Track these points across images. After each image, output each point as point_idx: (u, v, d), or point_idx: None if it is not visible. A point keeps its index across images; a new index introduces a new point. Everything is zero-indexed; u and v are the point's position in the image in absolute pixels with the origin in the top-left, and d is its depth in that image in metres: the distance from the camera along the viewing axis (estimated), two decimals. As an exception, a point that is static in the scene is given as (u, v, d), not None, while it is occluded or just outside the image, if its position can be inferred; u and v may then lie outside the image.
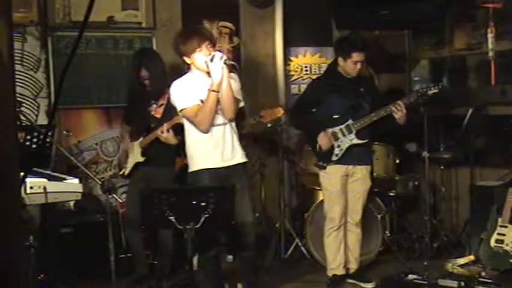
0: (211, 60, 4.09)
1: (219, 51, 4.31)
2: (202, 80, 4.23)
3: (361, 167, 4.95)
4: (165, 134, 4.62)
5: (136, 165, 4.94)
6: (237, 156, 4.34)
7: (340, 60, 4.86)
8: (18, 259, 1.66)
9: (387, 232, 5.61)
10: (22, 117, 4.73)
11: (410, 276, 4.76)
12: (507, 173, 5.45)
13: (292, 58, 6.57)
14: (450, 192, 6.20)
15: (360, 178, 4.94)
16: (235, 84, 4.34)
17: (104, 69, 5.77)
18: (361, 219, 5.02)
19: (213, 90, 4.12)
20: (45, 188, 3.80)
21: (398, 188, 5.77)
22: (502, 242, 4.84)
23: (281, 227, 5.74)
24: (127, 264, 5.03)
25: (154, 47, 5.78)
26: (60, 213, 5.15)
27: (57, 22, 5.53)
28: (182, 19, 6.00)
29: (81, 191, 4.04)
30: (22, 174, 1.89)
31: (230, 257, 5.33)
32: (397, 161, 5.72)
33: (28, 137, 4.26)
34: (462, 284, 4.54)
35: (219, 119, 4.25)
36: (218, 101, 4.19)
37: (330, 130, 4.87)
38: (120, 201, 4.52)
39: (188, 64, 4.31)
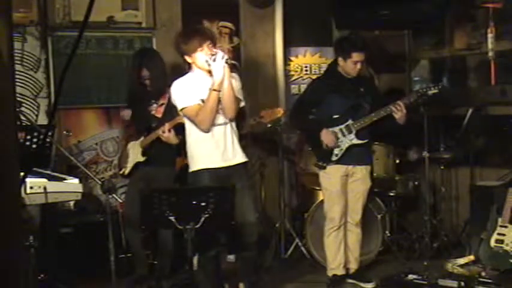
0: (213, 59, 4.09)
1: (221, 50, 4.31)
2: (204, 80, 4.23)
3: (361, 167, 4.95)
4: (167, 133, 4.62)
5: (137, 165, 4.94)
6: (237, 156, 4.34)
7: (340, 60, 4.86)
8: (18, 259, 1.65)
9: (387, 232, 5.61)
10: (22, 117, 4.73)
11: (410, 276, 4.76)
12: (507, 173, 5.45)
13: (292, 58, 6.57)
14: (450, 192, 6.20)
15: (359, 178, 4.94)
16: (237, 83, 4.34)
17: (104, 69, 5.77)
18: (361, 219, 5.02)
19: (214, 90, 4.12)
20: (45, 188, 3.80)
21: (398, 188, 5.76)
22: (502, 242, 4.84)
23: (281, 227, 5.74)
24: (127, 264, 5.03)
25: (154, 47, 5.77)
26: (60, 213, 5.15)
27: (57, 22, 5.53)
28: (182, 19, 6.00)
29: (81, 191, 4.04)
30: (22, 174, 1.89)
31: (232, 257, 5.34)
32: (397, 161, 5.72)
33: (28, 137, 4.26)
34: (462, 284, 4.54)
35: (220, 119, 4.25)
36: (219, 101, 4.19)
37: (330, 130, 4.87)
38: (120, 201, 4.52)
39: (189, 63, 4.31)
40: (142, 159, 4.89)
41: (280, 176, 5.90)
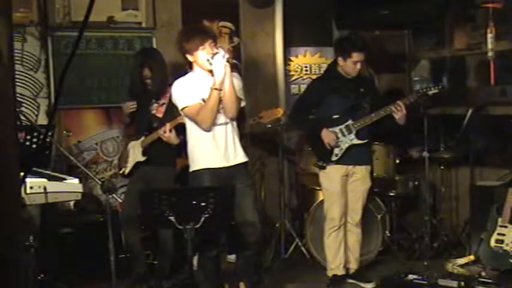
0: (214, 58, 4.09)
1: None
2: (205, 79, 4.23)
3: (361, 167, 4.95)
4: (167, 133, 4.62)
5: (137, 165, 4.94)
6: (238, 156, 4.34)
7: (340, 60, 4.86)
8: (18, 259, 1.65)
9: (387, 232, 5.61)
10: (22, 117, 4.73)
11: (410, 276, 4.76)
12: (507, 173, 5.45)
13: (292, 58, 6.57)
14: (450, 192, 6.20)
15: (359, 178, 4.95)
16: (238, 83, 4.34)
17: (104, 69, 5.77)
18: (361, 219, 5.02)
19: (215, 89, 4.12)
20: (45, 188, 3.79)
21: (399, 188, 5.76)
22: (502, 242, 4.84)
23: (281, 227, 5.74)
24: (127, 265, 5.02)
25: (154, 47, 5.77)
26: (60, 213, 5.15)
27: (57, 22, 5.53)
28: (182, 19, 6.00)
29: (81, 191, 4.03)
30: (22, 174, 1.89)
31: (232, 257, 5.34)
32: (397, 161, 5.72)
33: (28, 137, 4.26)
34: (462, 284, 4.53)
35: (221, 119, 4.25)
36: (220, 100, 4.19)
37: (330, 130, 4.87)
38: (120, 201, 4.51)
39: (190, 63, 4.32)
40: (142, 159, 4.89)
41: (280, 176, 5.90)
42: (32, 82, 5.44)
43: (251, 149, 5.73)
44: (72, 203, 5.09)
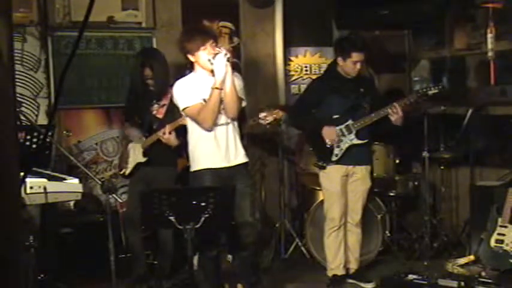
0: (215, 57, 4.09)
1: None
2: (206, 80, 4.23)
3: (361, 167, 4.95)
4: (167, 135, 4.62)
5: (138, 166, 4.94)
6: (239, 156, 4.34)
7: (340, 60, 4.85)
8: (18, 259, 1.65)
9: (387, 232, 5.61)
10: (22, 117, 4.73)
11: (410, 276, 4.76)
12: (507, 173, 5.45)
13: (292, 58, 6.57)
14: (450, 192, 6.20)
15: (359, 178, 4.95)
16: (239, 83, 4.34)
17: (104, 69, 5.77)
18: (361, 219, 5.02)
19: (216, 88, 4.13)
20: (45, 188, 3.79)
21: (398, 188, 5.76)
22: (502, 242, 4.84)
23: (281, 227, 5.74)
24: (127, 265, 5.02)
25: (156, 47, 5.76)
26: (60, 213, 5.15)
27: (57, 22, 5.53)
28: (182, 19, 6.00)
29: (81, 191, 4.03)
30: (22, 174, 1.89)
31: (229, 257, 5.34)
32: (397, 161, 5.72)
33: (28, 137, 4.26)
34: (462, 284, 4.53)
35: (222, 119, 4.25)
36: (221, 100, 4.19)
37: (331, 126, 4.86)
38: (120, 201, 4.52)
39: (191, 64, 4.32)
40: (143, 160, 4.88)
41: (280, 176, 5.90)
42: (32, 82, 5.44)
43: (251, 149, 5.73)
44: (72, 203, 5.09)
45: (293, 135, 6.24)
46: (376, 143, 5.39)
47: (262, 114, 4.93)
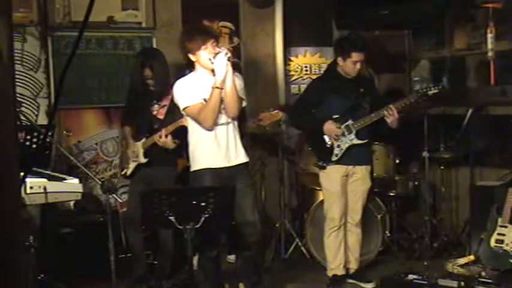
0: (215, 57, 4.09)
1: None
2: (206, 79, 4.23)
3: (361, 167, 4.95)
4: (163, 139, 4.62)
5: (139, 166, 4.93)
6: (240, 156, 4.34)
7: (340, 60, 4.85)
8: (18, 259, 1.65)
9: (387, 232, 5.61)
10: (22, 117, 4.73)
11: (410, 276, 4.76)
12: (507, 173, 5.45)
13: (292, 58, 6.57)
14: (450, 192, 6.20)
15: (359, 178, 4.94)
16: (239, 82, 4.34)
17: (104, 69, 5.77)
18: (361, 219, 5.02)
19: (217, 87, 4.13)
20: (45, 188, 3.79)
21: (398, 188, 5.76)
22: (502, 242, 4.84)
23: (281, 227, 5.74)
24: (127, 265, 5.02)
25: (156, 47, 5.76)
26: (60, 213, 5.15)
27: (57, 22, 5.52)
28: (182, 19, 6.00)
29: (81, 191, 4.03)
30: (22, 174, 1.89)
31: (232, 257, 5.34)
32: (397, 161, 5.72)
33: (28, 137, 4.26)
34: (462, 284, 4.53)
35: (222, 118, 4.25)
36: (222, 100, 4.19)
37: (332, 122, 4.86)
38: (120, 201, 4.52)
39: (192, 64, 4.32)
40: (144, 160, 4.87)
41: (280, 176, 5.90)
42: (32, 82, 5.44)
43: (251, 149, 5.73)
44: (72, 203, 5.09)
45: (293, 135, 6.24)
46: (376, 143, 5.39)
47: (259, 117, 4.94)
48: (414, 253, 5.61)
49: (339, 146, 4.86)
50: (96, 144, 5.78)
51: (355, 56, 4.77)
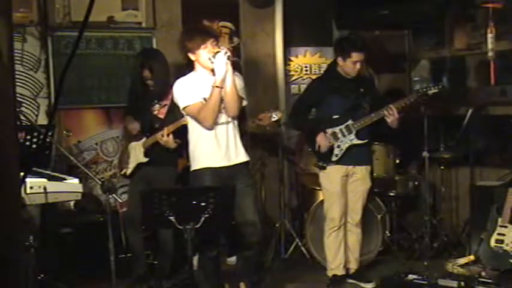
0: (215, 56, 4.09)
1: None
2: (206, 79, 4.23)
3: (361, 167, 4.95)
4: (165, 138, 4.63)
5: (139, 165, 4.93)
6: (240, 155, 4.34)
7: (340, 60, 4.85)
8: (18, 259, 1.65)
9: (387, 232, 5.61)
10: (22, 117, 4.73)
11: (410, 276, 4.76)
12: (507, 173, 5.45)
13: (292, 58, 6.57)
14: (450, 192, 6.20)
15: (359, 178, 4.94)
16: (239, 82, 4.34)
17: (104, 69, 5.77)
18: (361, 219, 5.02)
19: (217, 86, 4.13)
20: (45, 188, 3.79)
21: (398, 188, 5.77)
22: (502, 242, 4.84)
23: (281, 227, 5.74)
24: (127, 265, 5.02)
25: (154, 47, 5.77)
26: (60, 213, 5.15)
27: (57, 22, 5.52)
28: (182, 19, 6.00)
29: (81, 191, 4.03)
30: (22, 174, 1.88)
31: (232, 259, 5.34)
32: (397, 161, 5.72)
33: (28, 137, 4.26)
34: (462, 284, 4.53)
35: (222, 118, 4.25)
36: (222, 99, 4.19)
37: (329, 130, 4.87)
38: (120, 201, 4.51)
39: (191, 63, 4.32)
40: (144, 160, 4.88)
41: (280, 176, 5.90)
42: (32, 82, 5.43)
43: (251, 149, 5.73)
44: (72, 203, 5.09)
45: (293, 136, 6.24)
46: (376, 143, 5.39)
47: (259, 117, 4.95)
48: (414, 253, 5.61)
49: (338, 146, 4.86)
50: (96, 144, 5.78)
51: (355, 56, 4.77)
